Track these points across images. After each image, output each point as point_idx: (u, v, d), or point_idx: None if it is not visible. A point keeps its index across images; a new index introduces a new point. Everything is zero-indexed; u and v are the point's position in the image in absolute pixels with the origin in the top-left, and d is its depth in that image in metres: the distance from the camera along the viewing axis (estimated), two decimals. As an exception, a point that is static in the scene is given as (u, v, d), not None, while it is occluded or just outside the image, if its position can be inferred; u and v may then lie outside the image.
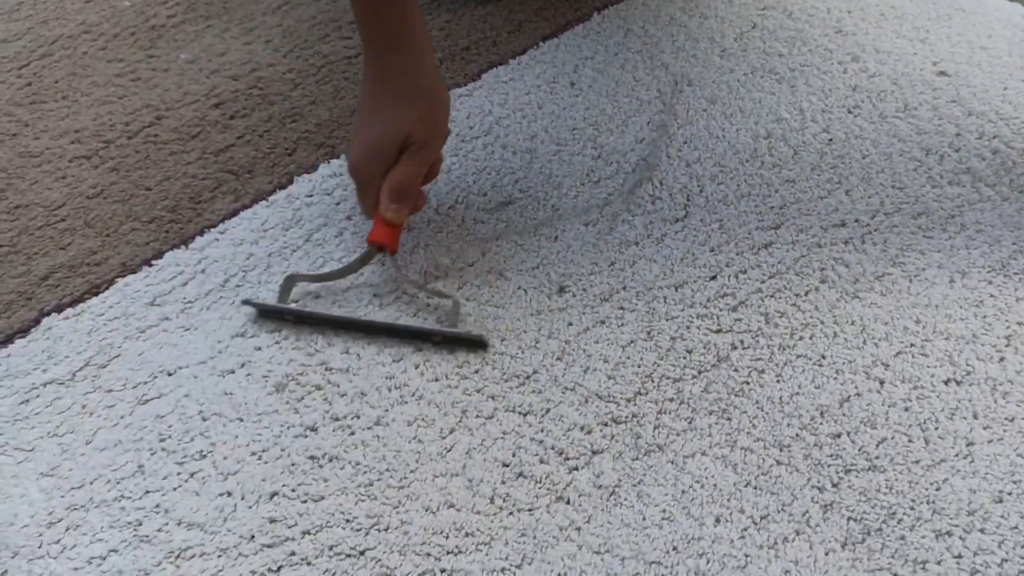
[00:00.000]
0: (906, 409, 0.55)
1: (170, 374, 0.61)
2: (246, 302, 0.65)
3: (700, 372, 0.59)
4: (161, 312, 0.66)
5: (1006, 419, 0.54)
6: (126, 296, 0.67)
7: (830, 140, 0.73)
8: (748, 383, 0.58)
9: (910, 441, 0.54)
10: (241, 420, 0.58)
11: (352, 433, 0.57)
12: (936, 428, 0.54)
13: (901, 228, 0.65)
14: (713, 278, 0.64)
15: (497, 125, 0.78)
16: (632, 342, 0.61)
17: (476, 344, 0.61)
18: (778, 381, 0.58)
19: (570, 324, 0.62)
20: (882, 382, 0.57)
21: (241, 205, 0.76)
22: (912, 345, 0.58)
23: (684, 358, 0.59)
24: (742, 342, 0.60)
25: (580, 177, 0.73)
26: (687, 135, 0.75)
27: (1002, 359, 0.57)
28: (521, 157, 0.75)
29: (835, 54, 0.81)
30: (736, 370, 0.58)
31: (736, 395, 0.57)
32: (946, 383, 0.56)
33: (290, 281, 0.65)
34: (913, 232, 0.65)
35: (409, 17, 0.65)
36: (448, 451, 0.56)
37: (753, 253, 0.65)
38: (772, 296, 0.62)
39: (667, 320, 0.62)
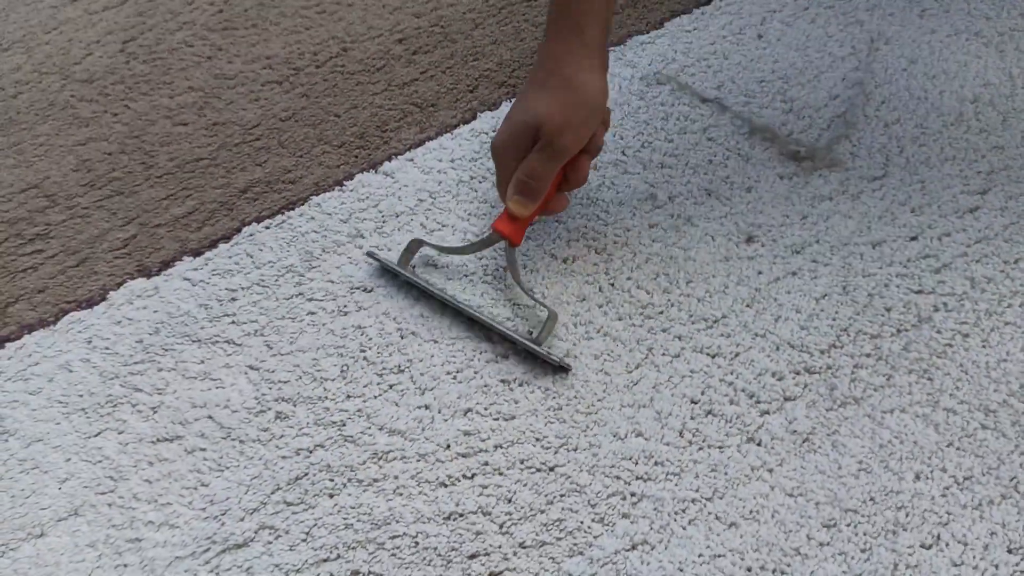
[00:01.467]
0: None
1: (367, 291, 0.64)
2: (370, 254, 0.66)
3: (899, 331, 0.57)
4: (356, 229, 0.68)
5: None
6: (321, 212, 0.70)
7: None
8: (951, 345, 0.56)
9: None
10: (436, 342, 0.60)
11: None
12: None
13: (1124, 201, 0.62)
14: (914, 238, 0.62)
15: (683, 73, 0.78)
16: (826, 295, 0.60)
17: (558, 368, 0.58)
18: (984, 346, 0.56)
19: (760, 273, 0.62)
20: (1100, 357, 0.54)
21: (427, 136, 0.78)
22: None
23: (882, 315, 0.58)
24: (945, 304, 0.58)
25: (775, 130, 0.71)
26: (885, 94, 0.73)
27: None
28: (709, 106, 0.74)
29: (1044, 19, 0.77)
30: (939, 332, 0.57)
31: (939, 356, 0.56)
32: None
33: (415, 244, 0.65)
34: None
35: (586, 10, 0.60)
36: (635, 384, 0.57)
37: (958, 217, 0.63)
38: (979, 261, 0.60)
39: (864, 276, 0.60)
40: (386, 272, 0.66)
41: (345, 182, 0.73)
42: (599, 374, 0.57)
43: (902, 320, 0.58)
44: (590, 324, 0.60)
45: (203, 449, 0.55)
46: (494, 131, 0.76)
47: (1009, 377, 0.54)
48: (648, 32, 0.84)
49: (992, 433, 0.52)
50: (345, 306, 0.63)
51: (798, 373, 0.56)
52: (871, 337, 0.57)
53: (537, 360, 0.58)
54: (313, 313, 0.63)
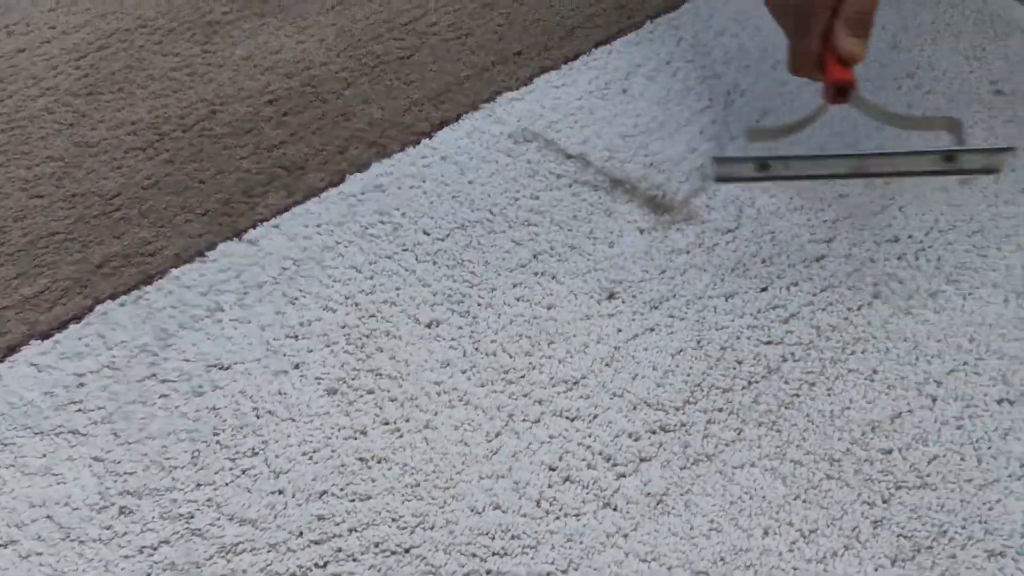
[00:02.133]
0: (958, 427, 0.55)
1: (224, 368, 0.62)
2: (716, 159, 0.64)
3: (750, 383, 0.58)
4: (215, 302, 0.67)
5: (1062, 443, 0.54)
6: (180, 285, 0.68)
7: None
8: (799, 395, 0.57)
9: (962, 460, 0.53)
10: (293, 420, 0.59)
11: (401, 436, 0.57)
12: (989, 448, 0.54)
13: (956, 246, 0.65)
14: (764, 289, 0.64)
15: (550, 129, 0.79)
16: (682, 350, 0.61)
17: (999, 160, 0.53)
18: (829, 395, 0.57)
19: (619, 330, 0.62)
20: (934, 399, 0.56)
21: (294, 200, 0.77)
22: (965, 363, 0.58)
23: (734, 368, 0.59)
24: (793, 354, 0.60)
25: (636, 184, 0.73)
26: (738, 147, 0.75)
27: (1058, 382, 0.57)
28: (574, 162, 0.75)
29: (890, 70, 0.81)
30: (787, 382, 0.58)
31: (786, 407, 0.57)
32: (999, 403, 0.56)
33: (754, 135, 0.61)
34: (968, 250, 0.64)
35: None
36: (494, 453, 0.56)
37: (805, 266, 0.65)
38: (824, 309, 0.62)
39: (717, 330, 0.62)
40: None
41: (207, 252, 0.72)
42: (459, 445, 0.57)
43: (752, 372, 0.59)
44: (453, 391, 0.60)
45: (39, 554, 0.52)
46: (362, 193, 0.76)
47: (852, 425, 0.56)
48: (518, 88, 0.85)
49: (836, 483, 0.53)
50: (200, 386, 0.61)
51: (653, 432, 0.56)
52: (723, 391, 0.58)
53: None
54: (165, 396, 0.61)
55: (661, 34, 0.88)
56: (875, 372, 0.58)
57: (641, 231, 0.69)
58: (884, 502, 0.52)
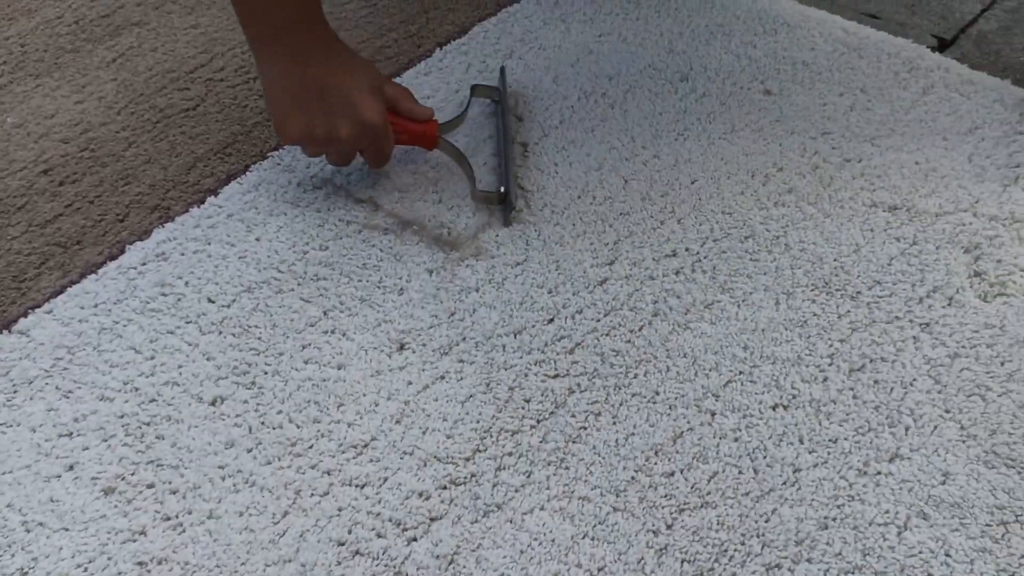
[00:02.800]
0: (736, 440, 0.56)
1: (-14, 480, 0.58)
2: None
3: (539, 421, 0.58)
4: (-24, 410, 0.62)
5: (830, 441, 0.56)
6: (-62, 395, 0.63)
7: (660, 167, 0.74)
8: (585, 428, 0.58)
9: (740, 473, 0.55)
10: (67, 530, 0.55)
11: (183, 531, 0.54)
12: (764, 457, 0.55)
13: (729, 253, 0.67)
14: (551, 320, 0.64)
15: (338, 174, 0.77)
16: (471, 396, 0.60)
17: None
18: (614, 423, 0.58)
19: (409, 383, 0.61)
20: (713, 413, 0.58)
21: (69, 281, 0.72)
22: (740, 373, 0.60)
23: (522, 408, 0.59)
24: (579, 385, 0.60)
25: (424, 223, 0.72)
26: (521, 174, 0.75)
27: (825, 379, 0.59)
28: (363, 206, 0.74)
29: (664, 73, 0.82)
30: (573, 415, 0.58)
31: (573, 442, 0.57)
32: (773, 408, 0.58)
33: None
34: (740, 256, 0.66)
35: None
36: (281, 536, 0.54)
37: (588, 292, 0.65)
38: (607, 334, 0.62)
39: (505, 369, 0.61)
40: None
41: (-30, 352, 0.66)
42: (244, 533, 0.54)
43: (540, 410, 0.59)
44: (238, 474, 0.57)
45: None
46: (143, 264, 0.72)
47: (636, 452, 0.56)
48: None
49: (623, 515, 0.53)
50: (-41, 506, 0.56)
51: (444, 488, 0.55)
52: (512, 434, 0.58)
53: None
54: (-84, 523, 0.55)
55: (450, 62, 0.87)
56: (657, 394, 0.59)
57: (430, 272, 0.68)
58: (668, 528, 0.53)
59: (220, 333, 0.66)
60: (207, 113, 0.87)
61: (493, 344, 0.63)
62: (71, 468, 0.58)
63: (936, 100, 0.76)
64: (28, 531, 0.55)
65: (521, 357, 0.62)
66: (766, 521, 0.53)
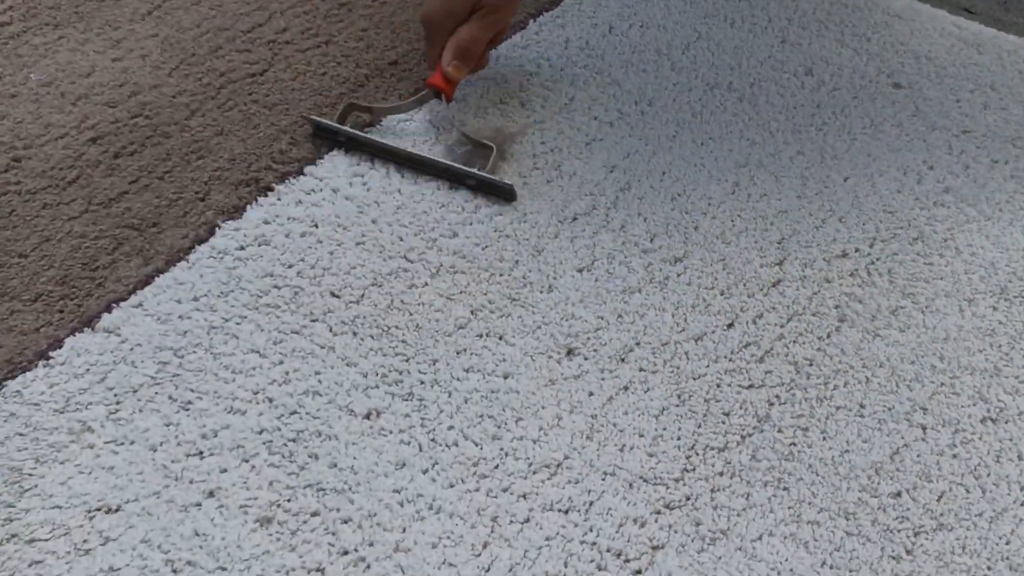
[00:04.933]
0: (954, 456, 0.53)
1: (112, 511, 0.48)
2: (306, 117, 0.71)
3: (744, 437, 0.54)
4: (80, 421, 0.52)
5: (1049, 457, 0.54)
6: (24, 403, 0.52)
7: (808, 164, 0.70)
8: (795, 444, 0.53)
9: (967, 492, 0.52)
10: (224, 569, 0.46)
11: (368, 567, 0.47)
12: (988, 475, 0.53)
13: (902, 256, 0.64)
14: (731, 325, 0.59)
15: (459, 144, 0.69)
16: (664, 409, 0.55)
17: (506, 194, 0.65)
18: (824, 439, 0.54)
19: (591, 394, 0.55)
20: (924, 428, 0.55)
21: (154, 269, 0.62)
22: (943, 384, 0.57)
23: (724, 423, 0.54)
24: (778, 397, 0.56)
25: (554, 210, 0.65)
26: (664, 163, 0.69)
27: (1027, 391, 0.57)
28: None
29: (787, 66, 0.78)
30: (780, 431, 0.54)
31: (787, 459, 0.53)
32: (983, 422, 0.55)
33: (349, 108, 0.70)
34: (914, 259, 0.63)
35: None
36: (486, 572, 0.47)
37: (764, 294, 0.61)
38: (796, 341, 0.58)
39: (695, 379, 0.56)
40: (326, 134, 0.70)
41: (51, 352, 0.56)
42: (443, 568, 0.47)
43: (743, 424, 0.54)
44: (419, 499, 0.50)
45: None
46: (241, 248, 0.62)
47: (856, 471, 0.52)
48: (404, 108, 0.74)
49: (858, 540, 0.50)
50: (85, 540, 0.47)
51: (659, 512, 0.50)
52: (719, 451, 0.53)
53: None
54: (38, 562, 0.46)
55: (547, 36, 0.81)
56: (862, 407, 0.55)
57: (579, 270, 0.62)
58: (908, 553, 0.49)
59: (355, 334, 0.58)
60: (279, 80, 0.77)
61: (674, 351, 0.58)
62: (211, 495, 0.50)
63: (1064, 103, 0.76)
64: (176, 572, 0.46)
65: (708, 365, 0.57)
66: (1007, 544, 0.50)
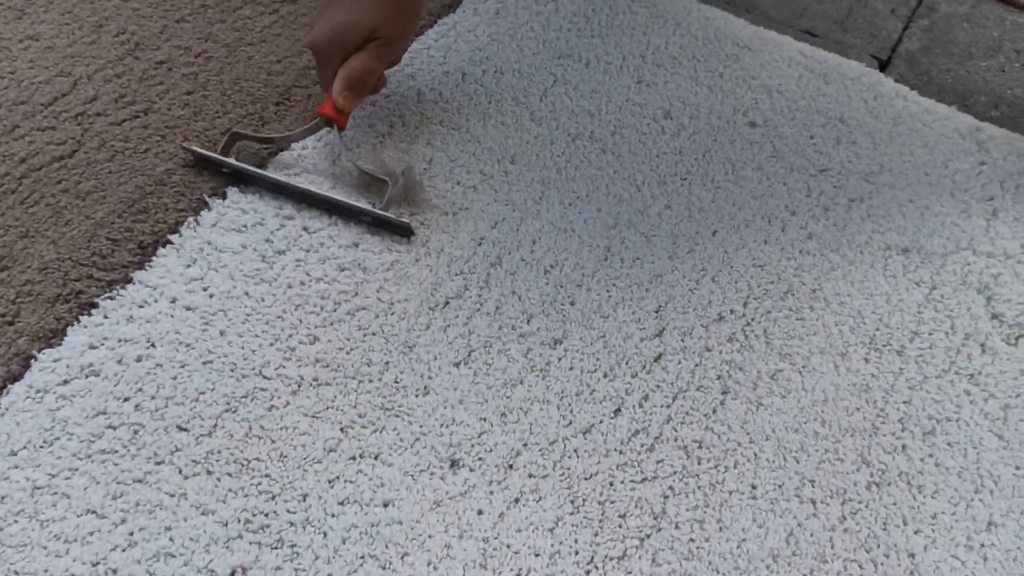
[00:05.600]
0: (845, 530, 0.53)
1: None
2: (185, 147, 0.66)
3: (642, 540, 0.51)
4: None
5: (931, 517, 0.55)
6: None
7: (676, 219, 0.68)
8: (694, 540, 0.52)
9: (862, 568, 0.52)
10: None
11: None
12: (878, 546, 0.53)
13: (775, 313, 0.63)
14: (617, 411, 0.57)
15: (305, 231, 0.63)
16: (559, 520, 0.52)
17: (402, 231, 0.63)
18: (721, 530, 0.52)
19: (480, 512, 0.51)
20: (815, 503, 0.54)
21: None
22: (827, 451, 0.57)
23: (621, 527, 0.52)
24: (672, 489, 0.54)
25: (424, 295, 0.61)
26: (534, 231, 0.66)
27: (904, 447, 0.58)
28: (348, 271, 0.61)
29: (646, 109, 0.76)
30: (677, 527, 0.52)
31: (687, 559, 0.51)
32: (868, 488, 0.55)
33: (233, 138, 0.66)
34: (787, 316, 0.63)
35: None
36: None
37: (647, 372, 0.59)
38: (683, 422, 0.57)
39: (587, 480, 0.53)
40: (208, 164, 0.65)
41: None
42: None
43: (640, 526, 0.52)
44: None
45: None
46: (64, 383, 0.54)
47: (755, 562, 0.51)
48: (245, 179, 0.67)
49: (764, 639, 0.49)
50: None
51: (564, 643, 0.47)
52: (619, 560, 0.51)
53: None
54: None
55: (396, 88, 0.75)
56: (754, 487, 0.54)
57: (456, 364, 0.58)
58: (812, 645, 0.49)
59: (210, 474, 0.51)
60: (92, 162, 0.67)
61: (563, 449, 0.55)
62: None
63: (907, 132, 0.78)
64: None
65: (599, 462, 0.54)
66: (899, 620, 0.51)
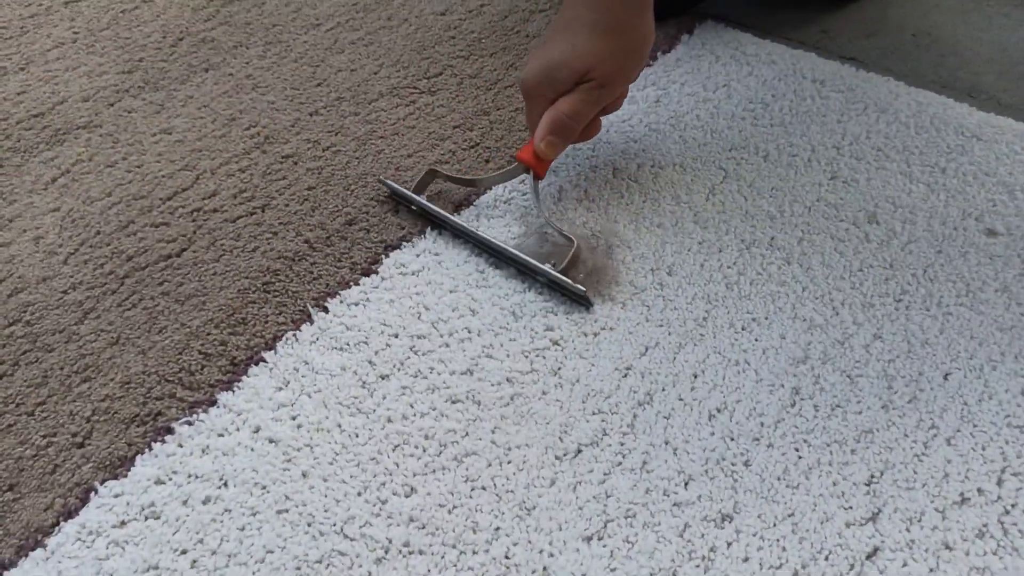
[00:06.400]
0: None
1: None
2: (381, 181, 0.64)
3: None
4: None
5: None
6: None
7: (892, 355, 0.52)
8: None
9: None
10: None
11: None
12: None
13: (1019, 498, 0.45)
14: (813, 633, 0.40)
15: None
16: None
17: (579, 299, 0.56)
18: None
19: None
20: None
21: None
22: None
23: None
24: None
25: (550, 440, 0.47)
26: (695, 361, 0.52)
27: None
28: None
29: (843, 212, 0.61)
30: None
31: None
32: None
33: (430, 176, 0.63)
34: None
35: None
36: None
37: (856, 575, 0.42)
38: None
39: None
40: (399, 199, 0.64)
41: None
42: None
43: None
44: None
45: None
46: (120, 525, 0.45)
47: None
48: (351, 286, 0.58)
49: None
50: None
51: None
52: None
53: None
54: None
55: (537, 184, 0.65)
56: None
57: (586, 538, 0.44)
58: None
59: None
60: (199, 262, 0.61)
61: None
62: None
63: None
64: None
65: None
66: None
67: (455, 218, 0.60)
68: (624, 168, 0.66)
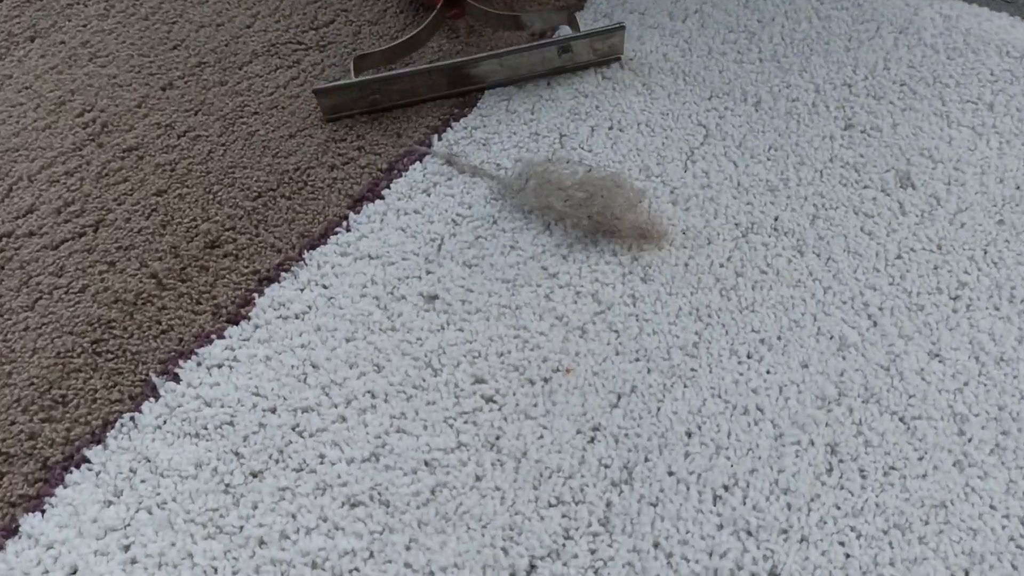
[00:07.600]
0: None
1: None
2: (316, 91, 0.51)
3: None
4: None
5: None
6: None
7: (958, 381, 0.38)
8: None
9: None
10: None
11: None
12: None
13: None
14: None
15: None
16: None
17: (614, 47, 0.50)
18: None
19: None
20: None
21: None
22: None
23: None
24: None
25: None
26: (695, 412, 0.37)
27: None
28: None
29: (866, 174, 0.46)
30: None
31: None
32: None
33: (361, 61, 0.53)
34: None
35: None
36: None
37: None
38: None
39: None
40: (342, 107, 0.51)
41: None
42: None
43: None
44: None
45: None
46: None
47: None
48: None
49: None
50: None
51: None
52: None
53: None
54: None
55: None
56: None
57: None
58: None
59: None
60: (6, 313, 0.45)
61: None
62: None
63: None
64: None
65: None
66: None
67: (425, 65, 0.51)
68: (573, 133, 0.50)
